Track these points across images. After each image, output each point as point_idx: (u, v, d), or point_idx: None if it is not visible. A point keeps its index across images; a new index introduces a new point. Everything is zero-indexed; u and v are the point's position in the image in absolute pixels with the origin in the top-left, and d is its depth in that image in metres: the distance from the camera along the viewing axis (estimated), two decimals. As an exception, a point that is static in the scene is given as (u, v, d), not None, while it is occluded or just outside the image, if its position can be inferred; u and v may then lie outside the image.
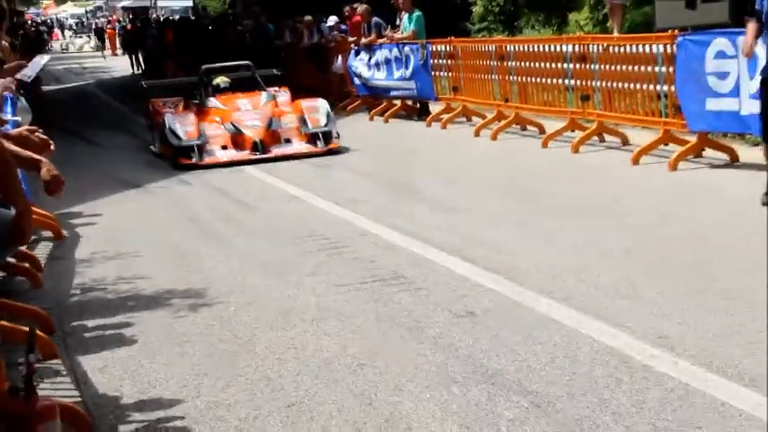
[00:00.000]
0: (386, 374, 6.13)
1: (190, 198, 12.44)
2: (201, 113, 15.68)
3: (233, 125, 14.95)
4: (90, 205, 12.53)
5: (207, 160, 14.02)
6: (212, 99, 16.40)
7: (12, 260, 8.51)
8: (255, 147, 14.35)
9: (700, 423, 5.18)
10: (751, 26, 9.88)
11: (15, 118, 9.20)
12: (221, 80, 17.10)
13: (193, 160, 13.76)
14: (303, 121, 15.24)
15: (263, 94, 16.67)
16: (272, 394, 5.98)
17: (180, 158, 13.84)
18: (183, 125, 14.59)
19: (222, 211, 11.35)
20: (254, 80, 17.78)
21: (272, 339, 7.00)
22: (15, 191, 4.99)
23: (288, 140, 14.91)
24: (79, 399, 5.99)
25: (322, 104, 16.21)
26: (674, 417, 5.26)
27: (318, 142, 14.62)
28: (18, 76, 10.14)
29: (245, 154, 14.29)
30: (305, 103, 16.29)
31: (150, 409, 5.89)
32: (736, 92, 11.26)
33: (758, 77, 10.75)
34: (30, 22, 42.84)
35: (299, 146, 14.84)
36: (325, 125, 14.89)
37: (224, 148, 14.59)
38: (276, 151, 14.43)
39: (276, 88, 17.74)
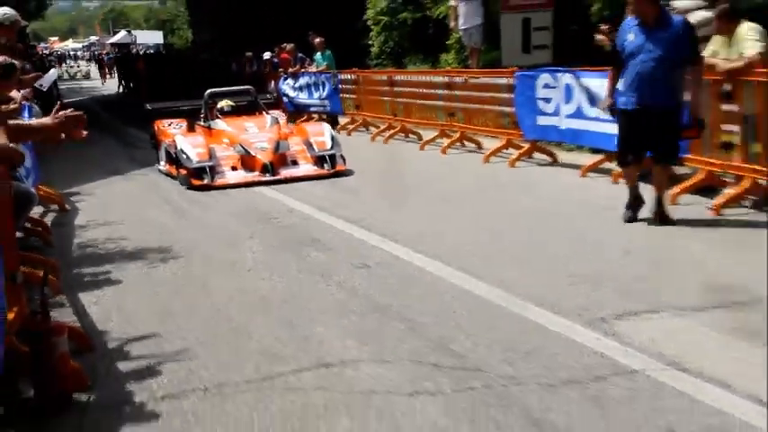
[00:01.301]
0: (304, 308, 6.19)
1: (164, 185, 12.32)
2: (209, 135, 12.78)
3: (242, 147, 12.14)
4: (86, 187, 12.33)
5: (219, 182, 11.46)
6: (218, 121, 13.37)
7: (28, 225, 8.47)
8: (265, 168, 11.67)
9: (525, 340, 5.29)
10: (611, 75, 8.29)
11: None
12: (225, 103, 14.01)
13: (205, 181, 11.33)
14: (309, 145, 12.42)
15: (268, 117, 13.72)
16: (222, 321, 6.02)
17: (192, 179, 11.38)
18: (194, 147, 11.89)
19: (189, 196, 11.28)
20: (255, 104, 14.74)
21: (222, 283, 7.02)
22: None
23: (294, 162, 12.17)
24: (78, 325, 6.00)
25: (326, 128, 13.37)
26: (503, 332, 5.38)
27: (325, 165, 11.99)
28: (35, 84, 9.98)
29: (256, 175, 11.66)
30: (309, 127, 13.54)
31: (132, 332, 5.87)
32: (556, 112, 11.45)
33: (578, 103, 11.02)
34: (40, 52, 41.93)
35: (307, 168, 12.06)
36: (331, 148, 12.25)
37: (233, 169, 11.91)
38: (285, 173, 11.77)
39: (275, 111, 14.98)
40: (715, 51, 8.80)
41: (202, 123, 13.52)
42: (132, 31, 74.61)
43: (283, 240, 8.43)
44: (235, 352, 5.40)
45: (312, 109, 19.62)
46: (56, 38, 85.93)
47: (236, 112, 13.85)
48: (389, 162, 13.23)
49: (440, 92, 14.95)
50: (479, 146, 14.02)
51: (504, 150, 12.82)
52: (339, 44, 21.38)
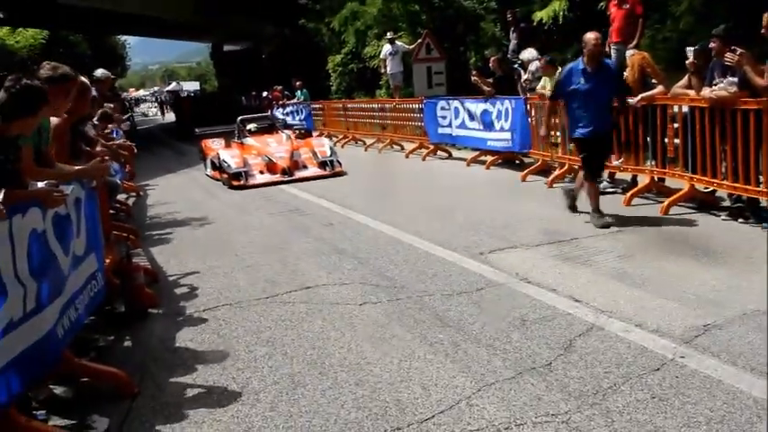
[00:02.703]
0: (292, 251, 6.17)
1: (201, 179, 12.08)
2: (242, 149, 11.87)
3: (267, 156, 11.29)
4: (152, 180, 12.08)
5: (251, 182, 10.59)
6: (248, 138, 12.41)
7: (117, 205, 8.36)
8: (284, 171, 10.83)
9: (432, 267, 5.30)
10: (547, 110, 7.24)
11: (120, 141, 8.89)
12: (252, 125, 13.09)
13: (242, 182, 10.52)
14: (314, 153, 11.49)
15: (283, 134, 12.80)
16: (239, 261, 5.99)
17: (233, 181, 10.55)
18: (233, 157, 11.15)
19: (218, 185, 11.07)
20: (273, 125, 13.79)
21: (239, 237, 6.97)
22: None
23: (304, 166, 11.27)
24: (149, 266, 5.92)
25: (326, 141, 12.53)
26: (418, 263, 5.38)
27: (327, 168, 11.10)
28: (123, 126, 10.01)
29: (277, 177, 10.79)
30: (314, 141, 12.49)
31: (183, 270, 5.85)
32: (450, 125, 11.37)
33: (462, 119, 10.89)
34: (123, 98, 40.94)
35: (314, 170, 11.12)
36: (330, 155, 11.37)
37: (261, 172, 11.01)
38: (299, 174, 10.90)
39: (287, 131, 13.80)
40: (543, 86, 8.92)
41: (236, 140, 12.60)
42: (180, 82, 74.79)
43: (278, 210, 8.33)
44: (248, 280, 5.39)
45: (295, 127, 19.31)
46: (133, 88, 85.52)
47: (259, 131, 12.95)
48: (350, 160, 13.15)
49: (376, 113, 14.83)
50: (402, 147, 13.98)
51: (418, 150, 12.76)
52: (311, 85, 21.39)
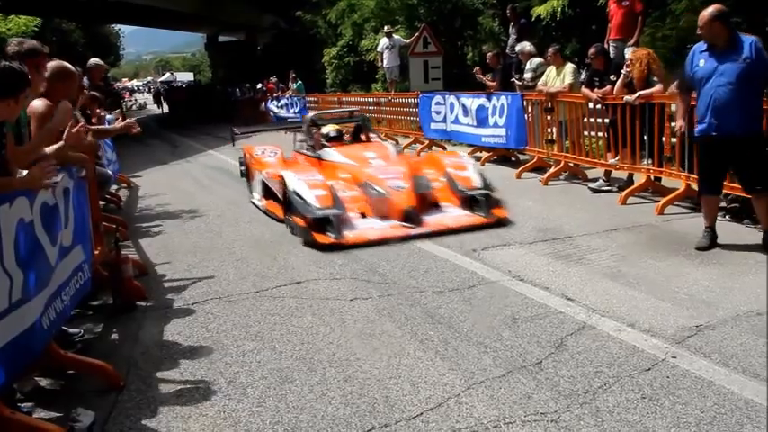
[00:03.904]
0: (282, 246, 6.11)
1: (194, 171, 12.08)
2: (320, 167, 7.17)
3: (370, 185, 6.51)
4: (143, 171, 11.97)
5: (351, 239, 5.90)
6: (330, 151, 7.50)
7: (108, 196, 8.36)
8: (408, 216, 6.13)
9: (424, 264, 5.28)
10: (682, 99, 5.48)
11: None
12: (332, 128, 8.25)
13: (332, 238, 5.88)
14: (451, 181, 6.74)
15: (388, 144, 8.21)
16: (230, 255, 5.97)
17: (315, 234, 5.96)
18: (312, 187, 6.40)
19: (209, 175, 11.10)
20: (361, 127, 8.47)
21: (229, 231, 6.95)
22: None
23: (435, 204, 6.53)
24: (138, 258, 5.92)
25: (468, 161, 7.37)
26: (410, 260, 5.35)
27: (477, 208, 6.36)
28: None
29: (398, 226, 6.08)
30: (446, 158, 7.35)
31: (172, 263, 5.85)
32: (444, 121, 11.34)
33: (456, 115, 10.84)
34: (116, 88, 40.73)
35: (457, 213, 6.37)
36: (482, 186, 6.61)
37: (363, 215, 6.31)
38: (431, 222, 6.18)
39: (389, 141, 9.45)
40: (544, 82, 8.86)
41: (308, 153, 7.85)
42: (174, 73, 74.69)
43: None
44: (238, 274, 5.38)
45: (289, 120, 19.28)
46: (126, 78, 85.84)
47: (339, 137, 8.09)
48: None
49: (371, 107, 14.75)
50: (397, 142, 13.93)
51: (413, 144, 12.77)
52: (306, 78, 21.33)
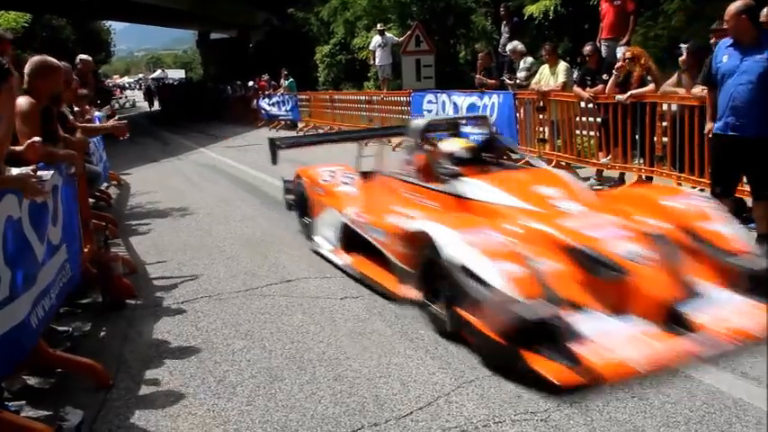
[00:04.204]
0: (273, 244, 6.10)
1: (184, 168, 12.05)
2: (463, 209, 4.14)
3: (593, 255, 3.38)
4: (134, 169, 11.89)
5: (604, 368, 2.86)
6: (473, 182, 4.31)
7: (97, 193, 8.30)
8: (674, 316, 3.12)
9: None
10: (710, 97, 5.07)
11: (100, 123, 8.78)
12: (460, 145, 4.98)
13: (565, 366, 2.89)
14: (699, 240, 3.62)
15: (564, 174, 4.85)
16: (220, 253, 5.95)
17: (529, 356, 2.95)
18: (494, 257, 3.20)
19: (199, 173, 11.05)
20: (493, 143, 5.34)
21: (220, 229, 6.94)
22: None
23: (694, 292, 3.36)
24: (128, 256, 5.89)
25: (706, 202, 4.12)
26: None
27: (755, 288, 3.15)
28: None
29: (662, 337, 3.08)
30: (671, 201, 4.04)
31: (162, 261, 5.82)
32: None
33: (447, 113, 10.93)
34: (107, 85, 40.49)
35: (738, 303, 3.26)
36: (760, 255, 3.42)
37: (577, 307, 3.22)
38: (707, 323, 3.13)
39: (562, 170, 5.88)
40: (537, 81, 8.89)
41: (437, 188, 4.63)
42: (165, 70, 74.33)
43: (260, 202, 8.24)
44: (228, 272, 5.36)
45: (280, 118, 19.24)
46: (117, 75, 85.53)
47: (476, 158, 4.95)
48: (338, 153, 13.03)
49: (363, 105, 14.74)
50: (389, 140, 13.94)
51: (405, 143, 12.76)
52: (298, 75, 21.25)
